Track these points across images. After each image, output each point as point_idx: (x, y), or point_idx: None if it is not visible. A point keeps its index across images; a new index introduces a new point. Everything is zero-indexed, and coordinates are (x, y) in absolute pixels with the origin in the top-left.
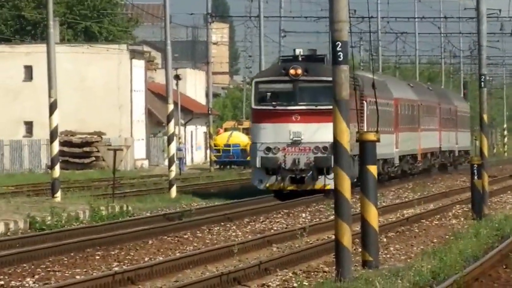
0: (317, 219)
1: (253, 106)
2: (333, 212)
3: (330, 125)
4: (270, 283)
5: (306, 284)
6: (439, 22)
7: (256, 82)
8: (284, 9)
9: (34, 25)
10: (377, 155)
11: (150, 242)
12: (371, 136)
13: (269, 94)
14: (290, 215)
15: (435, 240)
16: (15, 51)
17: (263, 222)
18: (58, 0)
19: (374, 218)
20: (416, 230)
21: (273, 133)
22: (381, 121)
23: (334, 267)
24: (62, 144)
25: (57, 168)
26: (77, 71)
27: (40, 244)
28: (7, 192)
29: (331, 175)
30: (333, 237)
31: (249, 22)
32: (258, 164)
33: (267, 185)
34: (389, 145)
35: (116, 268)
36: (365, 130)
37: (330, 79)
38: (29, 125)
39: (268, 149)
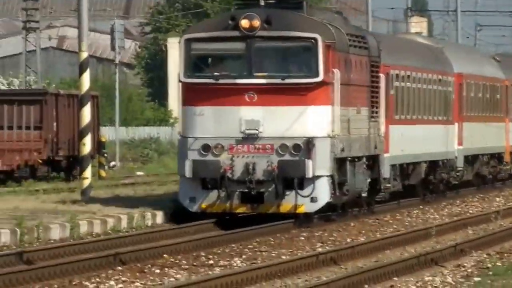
0: (511, 203)
1: (182, 79)
2: None
3: (307, 109)
4: (465, 264)
5: (500, 265)
6: None
7: (187, 40)
8: (480, 3)
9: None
10: (419, 155)
11: (352, 224)
12: None
13: (208, 59)
14: (485, 199)
15: None
16: None
17: (459, 206)
18: None
19: None
20: None
21: (214, 123)
22: (427, 106)
23: None
24: None
25: None
26: None
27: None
28: None
29: (307, 191)
30: None
31: (447, 16)
32: (188, 173)
33: (203, 205)
34: (444, 141)
35: (320, 249)
36: (383, 116)
37: (307, 35)
38: None
39: (206, 148)
